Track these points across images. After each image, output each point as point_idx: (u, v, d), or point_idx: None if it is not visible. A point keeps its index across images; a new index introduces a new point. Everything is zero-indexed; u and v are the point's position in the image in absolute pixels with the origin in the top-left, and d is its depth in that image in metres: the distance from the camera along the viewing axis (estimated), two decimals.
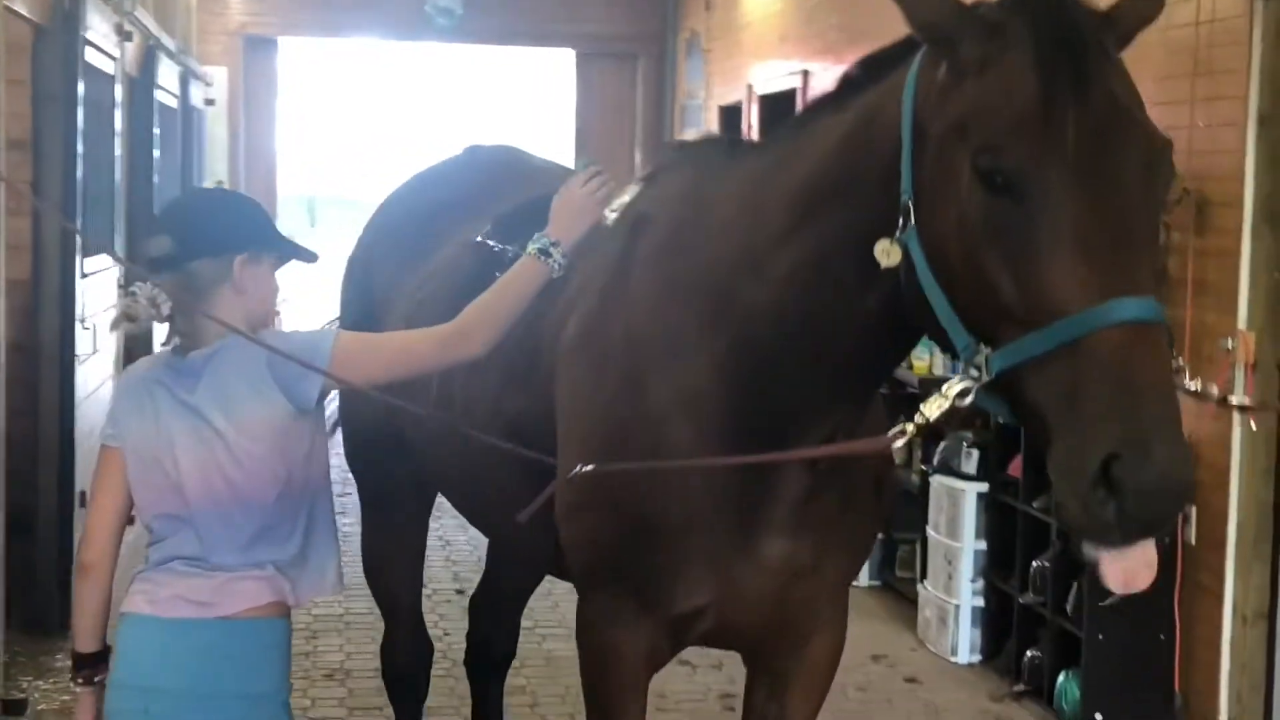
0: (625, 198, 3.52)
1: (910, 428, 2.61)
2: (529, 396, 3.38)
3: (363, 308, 4.25)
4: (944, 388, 2.49)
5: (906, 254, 2.51)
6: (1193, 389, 2.66)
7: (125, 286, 3.13)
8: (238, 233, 3.03)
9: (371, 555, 4.44)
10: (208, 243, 2.99)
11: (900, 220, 2.52)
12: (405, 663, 4.45)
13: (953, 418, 2.60)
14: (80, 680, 3.09)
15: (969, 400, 2.46)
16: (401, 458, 4.10)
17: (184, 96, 11.08)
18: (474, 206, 3.96)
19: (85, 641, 3.09)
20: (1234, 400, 5.49)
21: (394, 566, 4.38)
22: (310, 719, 5.79)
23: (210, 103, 12.99)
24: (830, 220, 2.74)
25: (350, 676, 6.32)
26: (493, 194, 3.97)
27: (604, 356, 3.17)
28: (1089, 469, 2.22)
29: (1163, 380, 2.30)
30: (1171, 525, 2.32)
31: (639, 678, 3.23)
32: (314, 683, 6.19)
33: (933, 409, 2.53)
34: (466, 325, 3.07)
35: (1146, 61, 6.04)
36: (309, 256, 3.15)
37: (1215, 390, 2.77)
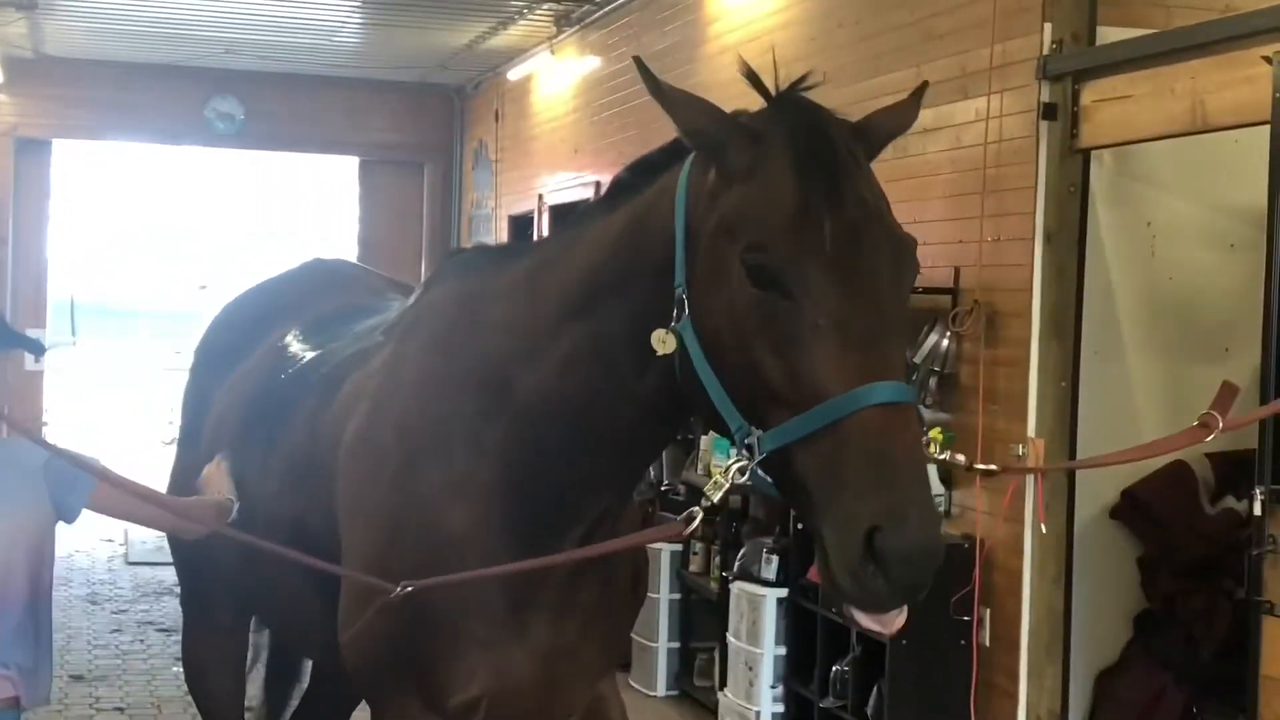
0: (403, 306, 3.61)
1: (698, 511, 2.72)
2: (308, 498, 3.47)
3: (194, 411, 4.29)
4: (724, 469, 2.61)
5: (681, 342, 2.67)
6: (944, 458, 2.86)
7: None
8: None
9: (192, 661, 4.39)
10: None
11: (675, 311, 2.68)
12: None
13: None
14: None
15: (744, 479, 2.59)
16: (215, 568, 4.05)
17: None
18: (296, 312, 3.99)
19: None
20: (1028, 504, 5.70)
21: (214, 673, 4.32)
22: None
23: None
24: (606, 310, 2.89)
25: None
26: (315, 300, 3.99)
27: (378, 453, 3.27)
28: (856, 542, 2.37)
29: (915, 456, 2.48)
30: (928, 588, 2.46)
31: None
32: None
33: (715, 491, 2.65)
34: (208, 506, 3.48)
35: (938, 179, 6.33)
36: (36, 347, 3.33)
37: (963, 459, 2.94)
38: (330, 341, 3.77)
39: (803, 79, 2.67)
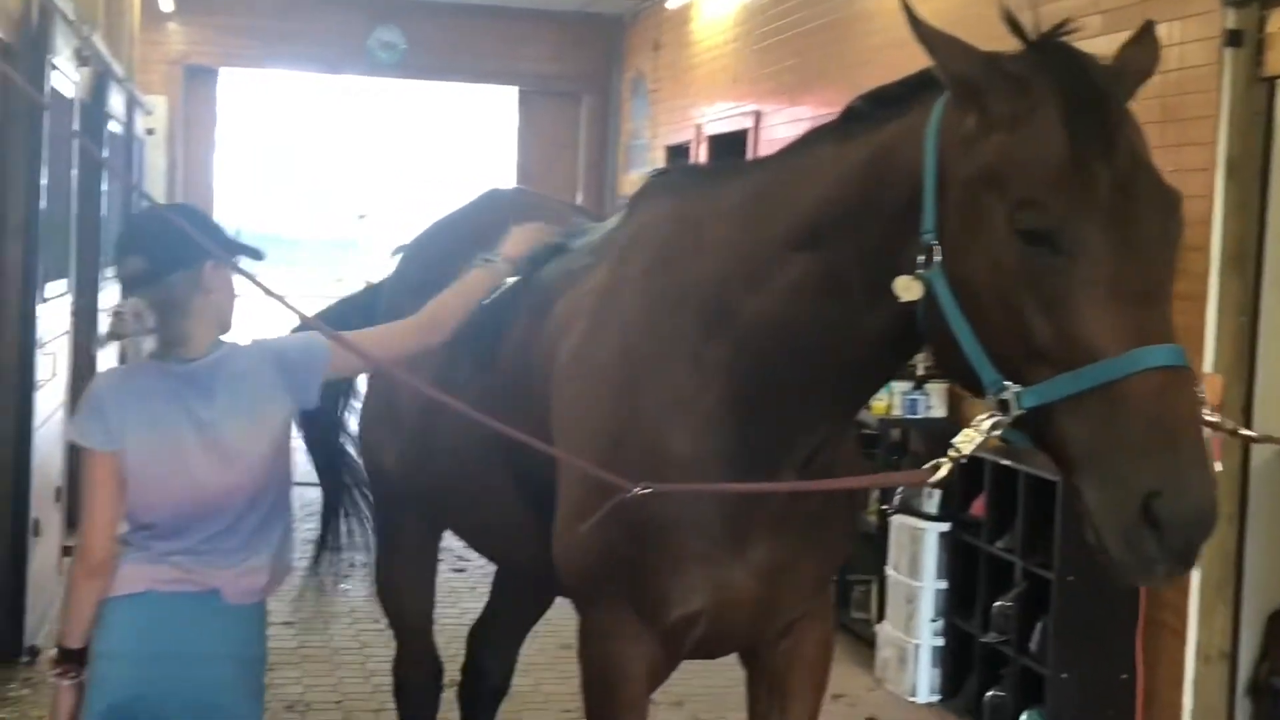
0: (608, 225, 3.60)
1: (946, 462, 2.70)
2: (522, 420, 3.44)
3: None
4: (975, 422, 2.58)
5: (929, 290, 2.62)
6: (1215, 420, 2.77)
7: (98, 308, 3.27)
8: (200, 243, 3.21)
9: (385, 581, 4.51)
10: (177, 256, 3.18)
11: (921, 257, 2.63)
12: (416, 682, 4.48)
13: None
14: (70, 676, 3.20)
15: (998, 433, 2.56)
16: (413, 490, 4.13)
17: (129, 124, 10.97)
18: (487, 241, 4.01)
19: (77, 638, 3.20)
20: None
21: (406, 592, 4.46)
22: None
23: (150, 132, 12.88)
24: (837, 244, 2.86)
25: (310, 709, 6.27)
26: (504, 229, 4.02)
27: (597, 373, 3.28)
28: (1132, 507, 2.35)
29: (1195, 421, 2.43)
30: (1196, 559, 2.44)
31: (642, 691, 3.30)
32: (275, 715, 6.12)
33: (967, 444, 2.62)
34: (435, 316, 3.48)
35: None
36: (258, 254, 3.34)
37: (1231, 424, 2.84)
38: (530, 267, 3.78)
39: (1062, 24, 2.60)
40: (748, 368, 3.05)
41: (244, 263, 3.29)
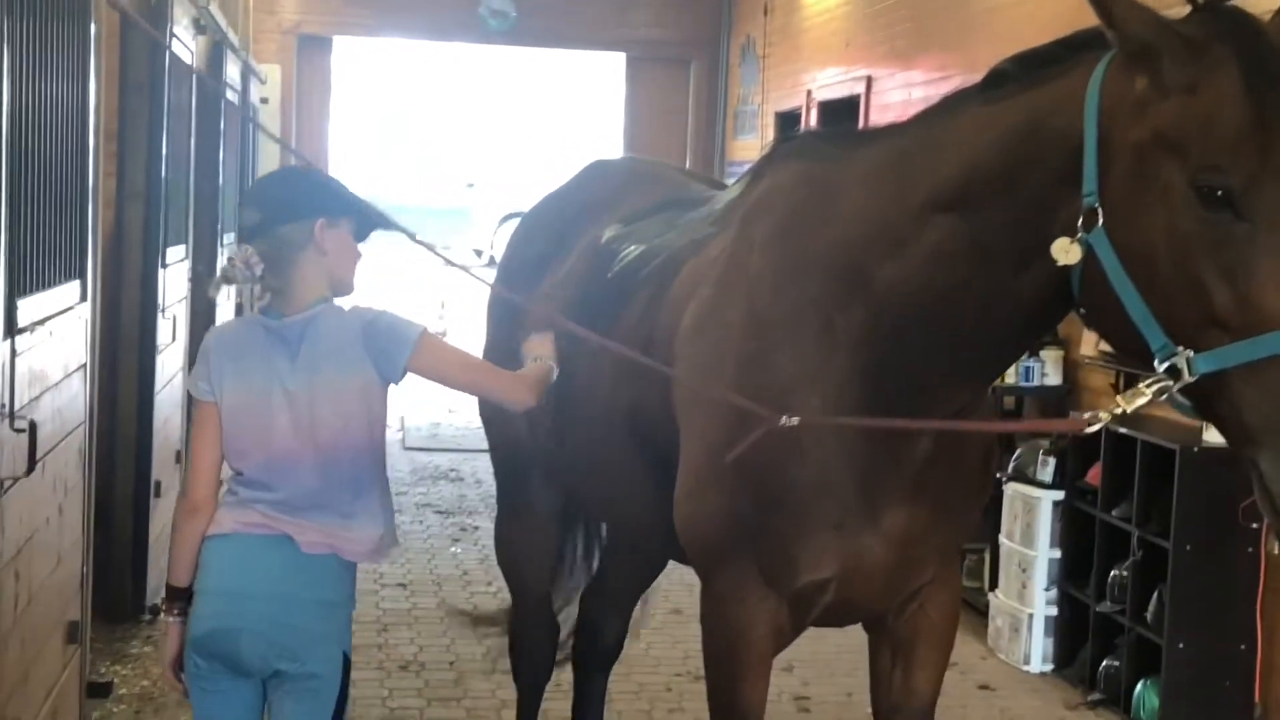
0: (731, 192, 3.57)
1: (1105, 415, 2.70)
2: (647, 385, 3.44)
3: (502, 321, 4.29)
4: (1142, 384, 2.56)
5: (1090, 253, 2.60)
6: None
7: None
8: (315, 200, 3.35)
9: (506, 547, 4.55)
10: (289, 210, 3.32)
11: (1081, 220, 2.60)
12: (533, 642, 4.50)
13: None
14: (176, 612, 3.39)
15: (1164, 398, 2.55)
16: (541, 456, 4.16)
17: (244, 93, 11.12)
18: (603, 213, 4.01)
19: (183, 576, 3.38)
20: None
21: (526, 560, 4.48)
22: (390, 708, 5.80)
23: (264, 100, 13.04)
24: (985, 208, 2.80)
25: (425, 668, 6.33)
26: (621, 199, 4.01)
27: (724, 338, 3.24)
28: None
29: None
30: None
31: (765, 656, 3.29)
32: (389, 674, 6.20)
33: (1131, 401, 2.60)
34: (528, 379, 3.51)
35: None
36: (385, 222, 3.43)
37: None
38: (652, 236, 3.75)
39: None
40: (883, 335, 3.00)
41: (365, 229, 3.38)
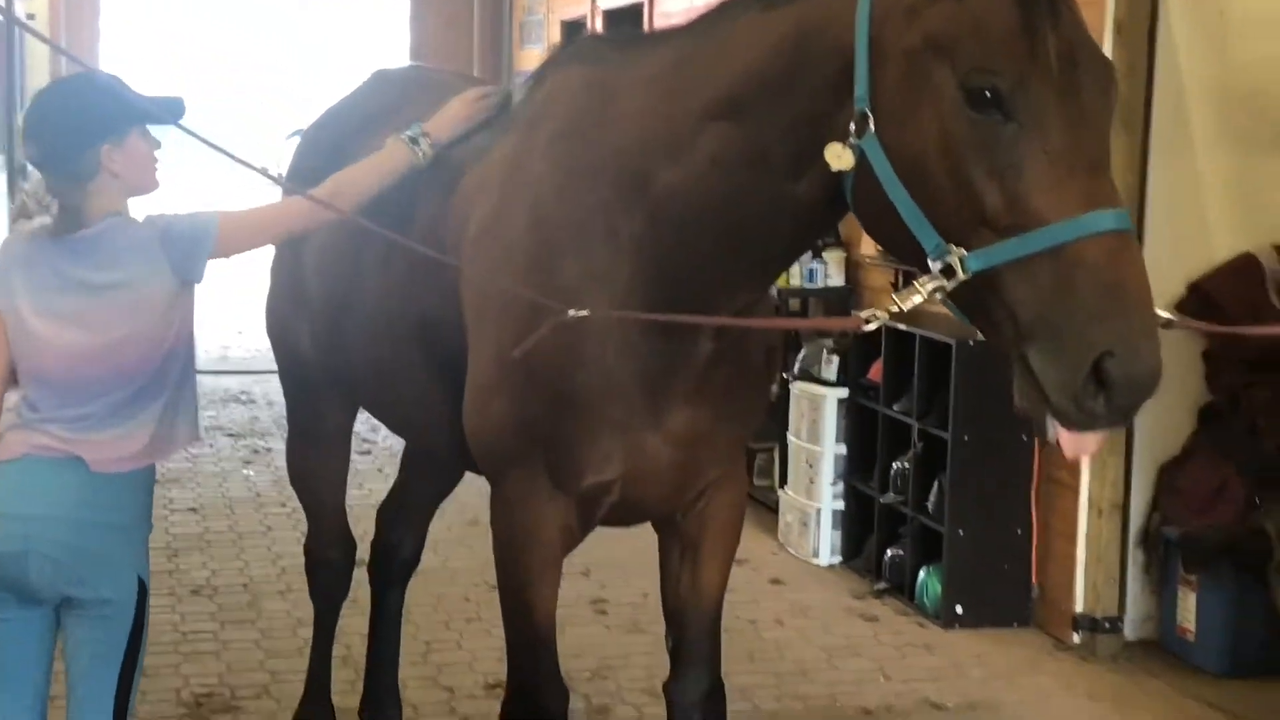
0: (515, 98, 3.55)
1: (882, 314, 2.75)
2: (435, 294, 3.44)
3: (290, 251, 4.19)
4: (916, 282, 2.61)
5: (861, 159, 2.64)
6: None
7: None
8: (94, 123, 3.21)
9: (297, 466, 4.47)
10: (70, 142, 3.20)
11: (853, 126, 2.64)
12: (329, 560, 4.46)
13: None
14: None
15: (939, 296, 2.60)
16: (327, 370, 4.11)
17: (8, 8, 10.66)
18: (382, 124, 3.93)
19: None
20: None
21: (318, 477, 4.42)
22: (182, 633, 5.73)
23: (31, 17, 12.53)
24: (761, 115, 2.83)
25: (218, 592, 6.26)
26: (401, 111, 3.93)
27: (509, 243, 3.23)
28: (1083, 366, 2.40)
29: (1144, 284, 2.47)
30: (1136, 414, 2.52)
31: (554, 557, 3.33)
32: (181, 599, 6.12)
33: (906, 299, 2.64)
34: (335, 189, 3.43)
35: None
36: (172, 116, 3.30)
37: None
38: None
39: None
40: (665, 238, 3.03)
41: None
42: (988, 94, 2.48)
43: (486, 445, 3.34)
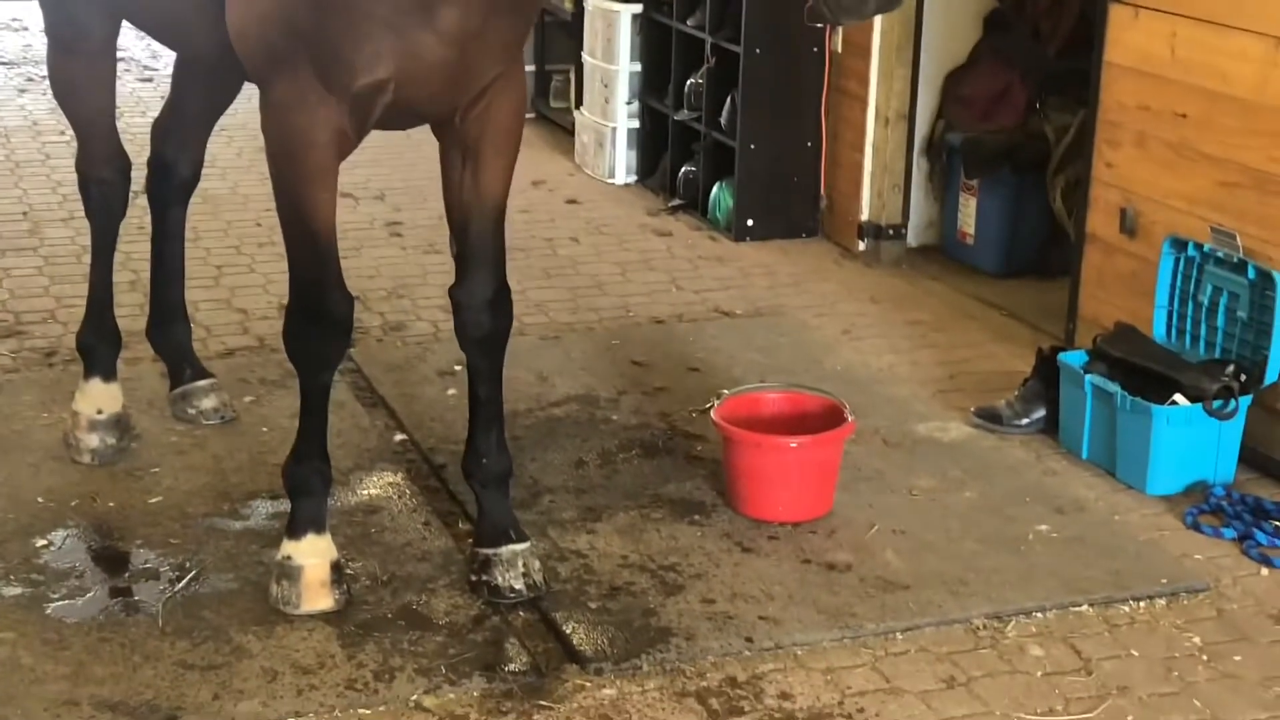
0: None
1: None
2: None
3: None
4: None
5: None
6: None
7: None
8: None
9: (63, 80, 4.25)
10: None
11: None
12: (102, 177, 4.31)
13: None
14: None
15: None
16: None
17: None
18: None
19: None
20: None
21: (83, 87, 4.21)
22: None
23: None
24: None
25: None
26: None
27: None
28: None
29: None
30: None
31: (329, 162, 3.28)
32: None
33: None
34: None
35: None
36: None
37: None
38: None
39: None
40: None
41: None
42: None
43: (251, 46, 3.25)
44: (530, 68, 7.94)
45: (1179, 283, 4.36)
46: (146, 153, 4.46)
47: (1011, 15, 5.88)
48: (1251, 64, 4.17)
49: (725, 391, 4.18)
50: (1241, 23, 4.20)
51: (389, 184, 6.68)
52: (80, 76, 4.22)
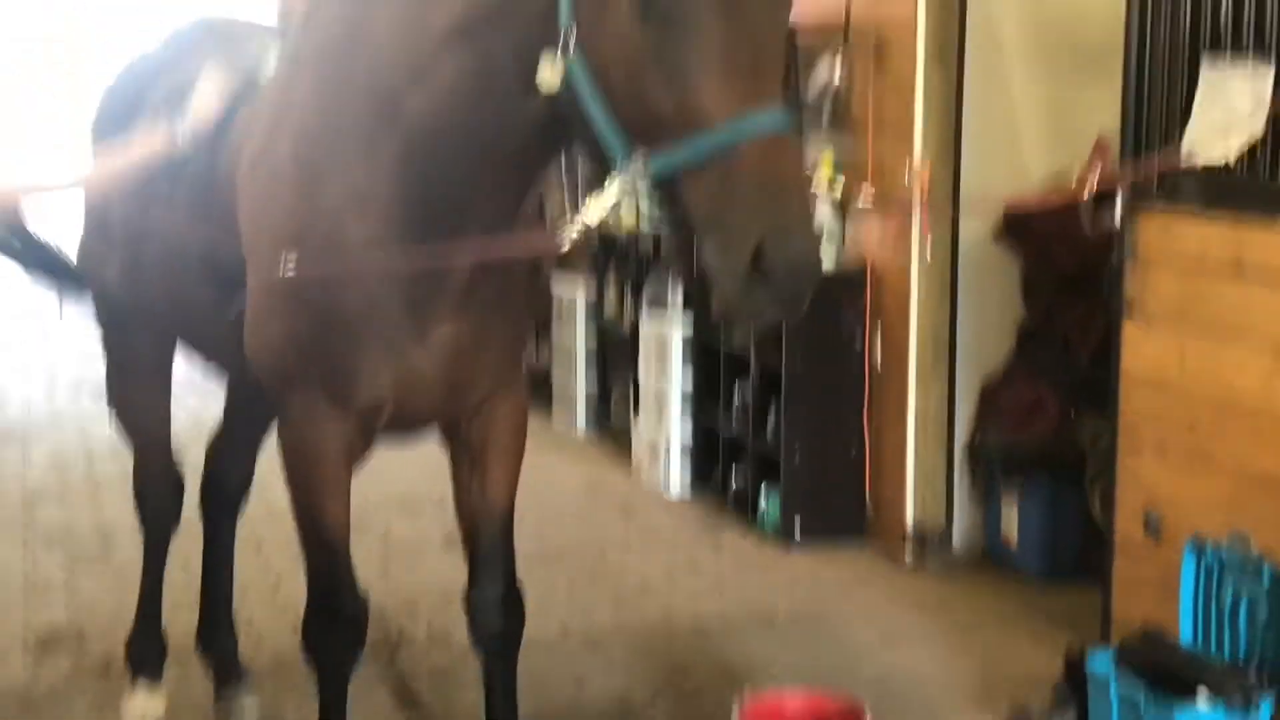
0: (283, 42, 3.67)
1: (575, 226, 2.91)
2: (215, 227, 3.56)
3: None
4: (605, 188, 2.76)
5: (568, 75, 2.78)
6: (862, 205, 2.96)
7: None
8: None
9: (118, 402, 4.53)
10: None
11: (560, 46, 2.78)
12: (155, 492, 4.54)
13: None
14: None
15: (621, 201, 2.78)
16: (134, 302, 4.20)
17: None
18: (171, 73, 4.01)
19: None
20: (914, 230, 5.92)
21: (136, 405, 4.49)
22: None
23: None
24: (491, 40, 2.98)
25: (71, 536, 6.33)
26: (187, 59, 4.01)
27: (277, 167, 3.37)
28: (743, 254, 2.57)
29: (797, 178, 2.68)
30: (804, 305, 2.68)
31: (340, 472, 3.46)
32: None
33: (595, 207, 2.81)
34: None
35: None
36: None
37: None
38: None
39: None
40: (418, 157, 3.16)
41: None
42: (653, 6, 2.62)
43: (266, 367, 3.48)
44: (592, 388, 8.27)
45: (1202, 586, 4.40)
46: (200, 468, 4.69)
47: (1042, 328, 6.07)
48: (1253, 376, 4.31)
49: (748, 691, 4.24)
50: (1242, 337, 4.36)
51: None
52: (132, 393, 4.49)
